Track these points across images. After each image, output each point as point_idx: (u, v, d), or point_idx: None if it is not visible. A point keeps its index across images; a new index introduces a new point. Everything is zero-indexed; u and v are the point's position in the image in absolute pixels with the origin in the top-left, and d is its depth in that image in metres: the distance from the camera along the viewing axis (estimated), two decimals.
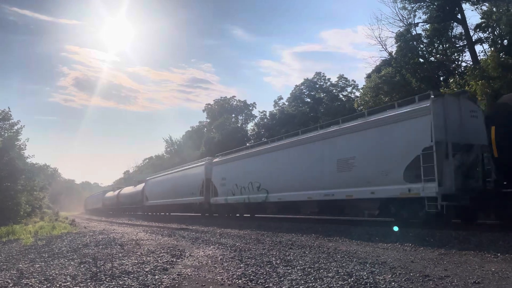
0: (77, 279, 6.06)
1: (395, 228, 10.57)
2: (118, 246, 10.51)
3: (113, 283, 5.69)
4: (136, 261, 7.67)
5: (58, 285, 5.64)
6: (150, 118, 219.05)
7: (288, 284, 5.40)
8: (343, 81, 51.83)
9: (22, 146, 27.67)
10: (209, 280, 5.88)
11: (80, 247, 10.53)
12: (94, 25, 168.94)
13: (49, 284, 5.76)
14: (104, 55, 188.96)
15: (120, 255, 8.71)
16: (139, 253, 9.00)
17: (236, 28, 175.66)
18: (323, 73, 53.31)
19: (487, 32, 26.62)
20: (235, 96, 68.67)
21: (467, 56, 29.40)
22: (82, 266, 7.29)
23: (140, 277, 6.07)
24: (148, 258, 8.16)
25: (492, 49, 24.68)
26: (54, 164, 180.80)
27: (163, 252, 9.00)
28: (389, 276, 5.77)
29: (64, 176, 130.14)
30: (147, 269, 6.74)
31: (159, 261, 7.71)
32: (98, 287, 5.48)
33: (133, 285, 5.51)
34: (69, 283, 5.79)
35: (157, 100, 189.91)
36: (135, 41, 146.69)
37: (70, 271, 6.73)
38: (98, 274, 6.35)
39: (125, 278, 6.00)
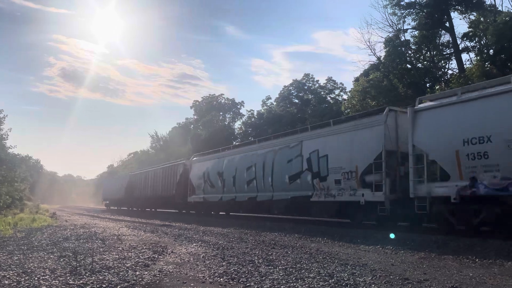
0: (56, 272, 5.98)
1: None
2: (99, 241, 10.40)
3: (93, 277, 5.63)
4: (117, 257, 7.61)
5: (36, 278, 5.56)
6: (137, 112, 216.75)
7: (270, 283, 5.42)
8: (331, 84, 52.15)
9: (4, 136, 27.15)
10: (190, 277, 5.86)
11: (61, 241, 10.39)
12: (83, 15, 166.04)
13: (27, 277, 5.66)
14: (93, 46, 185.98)
15: (101, 249, 8.62)
16: (120, 248, 8.92)
17: (228, 25, 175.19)
18: (312, 75, 53.67)
19: (474, 41, 27.11)
20: (223, 94, 68.77)
21: (453, 64, 29.93)
22: (61, 259, 7.20)
23: (121, 273, 6.01)
24: (130, 253, 8.09)
25: (478, 58, 25.17)
26: (37, 156, 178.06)
27: (145, 248, 8.94)
28: (370, 278, 5.84)
29: (47, 168, 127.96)
30: (128, 265, 6.69)
31: (140, 257, 7.66)
32: (77, 281, 5.42)
33: (113, 281, 5.46)
34: (48, 276, 5.71)
35: (145, 94, 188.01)
36: (124, 33, 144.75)
37: (49, 265, 6.63)
38: (78, 268, 6.28)
39: (105, 273, 5.94)
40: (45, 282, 5.38)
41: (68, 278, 5.60)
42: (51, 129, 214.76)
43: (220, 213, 24.54)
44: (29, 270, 6.15)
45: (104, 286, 5.17)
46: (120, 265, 6.68)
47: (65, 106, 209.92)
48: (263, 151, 18.97)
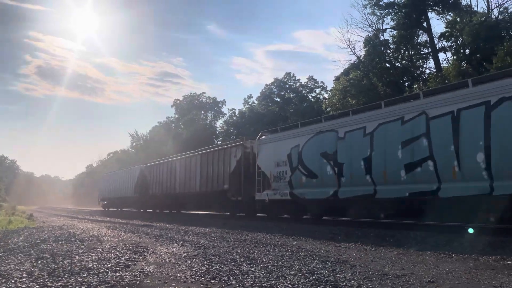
0: (33, 275, 5.86)
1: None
2: (78, 242, 10.23)
3: (72, 279, 5.55)
4: (96, 258, 7.50)
5: (13, 281, 5.44)
6: (116, 111, 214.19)
7: (251, 281, 5.44)
8: (312, 82, 52.58)
9: None
10: (171, 277, 5.83)
11: (38, 243, 10.17)
12: (60, 12, 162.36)
13: (3, 279, 5.53)
14: (70, 44, 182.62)
15: (80, 251, 8.48)
16: (100, 249, 8.80)
17: (209, 23, 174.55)
18: (293, 74, 53.97)
19: (451, 41, 27.74)
20: (205, 93, 68.39)
21: (431, 63, 30.59)
22: (39, 262, 7.05)
23: (100, 274, 5.94)
24: (110, 254, 7.99)
25: (454, 57, 25.76)
26: (13, 156, 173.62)
27: (125, 249, 8.84)
28: (349, 274, 5.93)
29: (23, 168, 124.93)
30: (107, 266, 6.61)
31: (120, 257, 7.57)
32: (55, 283, 5.32)
33: (92, 282, 5.39)
34: (25, 279, 5.59)
35: (125, 92, 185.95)
36: (103, 31, 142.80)
37: (27, 267, 6.50)
38: (56, 270, 6.17)
39: (85, 275, 5.85)
40: (22, 285, 5.27)
41: (46, 280, 5.50)
42: (28, 128, 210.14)
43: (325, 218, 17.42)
44: (5, 273, 6.00)
45: (83, 287, 5.10)
46: (99, 266, 6.59)
47: (42, 105, 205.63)
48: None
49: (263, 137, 19.17)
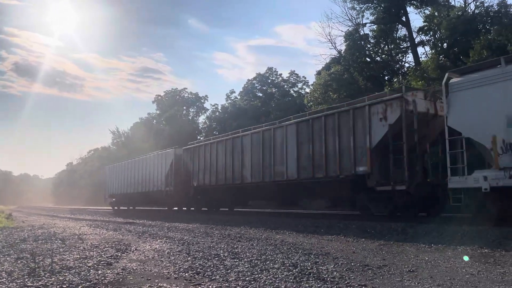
0: (13, 275, 5.75)
1: None
2: (59, 241, 10.07)
3: (53, 278, 5.47)
4: (78, 256, 7.40)
5: None
6: (96, 108, 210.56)
7: (235, 275, 5.47)
8: (294, 77, 52.69)
9: None
10: (155, 274, 5.81)
11: (18, 242, 9.97)
12: (36, 6, 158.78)
13: None
14: (47, 40, 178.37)
15: (61, 250, 8.36)
16: (81, 248, 8.69)
17: (190, 18, 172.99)
18: (275, 69, 53.95)
19: (429, 35, 28.16)
20: (186, 88, 67.39)
21: (410, 57, 30.97)
22: (19, 261, 6.92)
23: (82, 272, 5.87)
24: (91, 253, 7.90)
25: (433, 51, 26.19)
26: None
27: (108, 247, 8.75)
28: (332, 266, 6.01)
29: (0, 167, 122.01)
30: (89, 264, 6.53)
31: (103, 255, 7.49)
32: (36, 283, 5.23)
33: (74, 281, 5.32)
34: (4, 279, 5.48)
35: (104, 89, 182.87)
36: (81, 26, 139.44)
37: (6, 267, 6.37)
38: (36, 269, 6.06)
39: (66, 274, 5.78)
40: (2, 285, 5.17)
41: (26, 280, 5.41)
42: (4, 126, 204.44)
43: None
44: None
45: (64, 286, 5.03)
46: (81, 264, 6.52)
47: (19, 102, 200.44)
48: None
49: (460, 78, 10.74)
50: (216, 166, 20.55)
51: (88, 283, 5.18)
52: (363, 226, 10.88)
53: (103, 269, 6.16)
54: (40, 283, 5.22)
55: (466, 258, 6.47)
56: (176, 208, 26.52)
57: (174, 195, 24.37)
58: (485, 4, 24.89)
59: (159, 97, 65.11)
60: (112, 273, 5.85)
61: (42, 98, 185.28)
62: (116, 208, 35.00)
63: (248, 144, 18.37)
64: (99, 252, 7.91)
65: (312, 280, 5.06)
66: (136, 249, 8.37)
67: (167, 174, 24.85)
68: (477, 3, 25.49)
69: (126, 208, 33.75)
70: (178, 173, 24.04)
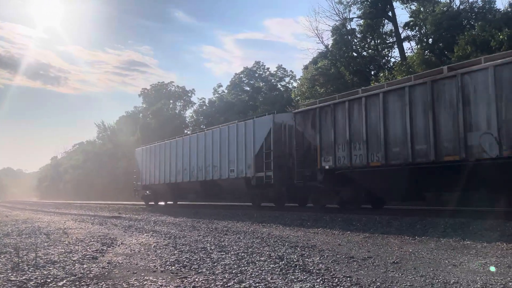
0: None
1: None
2: (44, 235, 9.95)
3: (37, 273, 5.41)
4: (63, 250, 7.33)
5: None
6: (81, 101, 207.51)
7: (222, 268, 5.48)
8: (281, 71, 52.74)
9: None
10: (141, 267, 5.79)
11: (1, 237, 9.83)
12: None
13: None
14: (31, 31, 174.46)
15: (45, 244, 8.26)
16: (66, 242, 8.60)
17: (177, 11, 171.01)
18: (262, 63, 53.93)
19: (415, 31, 28.42)
20: (173, 82, 66.97)
21: (396, 52, 31.22)
22: (2, 256, 6.82)
23: (67, 267, 5.82)
24: (76, 247, 7.83)
25: (418, 46, 26.45)
26: None
27: (93, 241, 8.68)
28: (318, 258, 6.07)
29: None
30: (74, 258, 6.48)
31: (88, 250, 7.43)
32: (20, 277, 5.17)
33: (59, 275, 5.27)
34: None
35: (90, 82, 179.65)
36: (65, 18, 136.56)
37: None
38: (20, 264, 5.99)
39: (50, 268, 5.72)
40: None
41: (10, 274, 5.34)
42: None
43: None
44: None
45: (49, 281, 4.98)
46: (66, 259, 6.45)
47: (1, 95, 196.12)
48: None
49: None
50: (384, 136, 11.93)
51: (73, 277, 5.13)
52: (349, 219, 10.99)
53: (89, 263, 6.11)
54: (24, 277, 5.16)
55: (448, 250, 6.60)
56: (275, 204, 17.83)
57: (276, 185, 16.46)
58: (470, 0, 25.22)
59: (146, 91, 64.53)
60: (97, 267, 5.81)
61: (26, 91, 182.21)
62: (152, 203, 26.08)
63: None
64: (84, 246, 7.85)
65: (298, 272, 5.10)
66: (122, 243, 8.32)
67: (257, 153, 17.18)
68: None
69: (169, 203, 25.87)
70: (288, 152, 16.23)
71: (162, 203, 26.16)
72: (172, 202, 25.64)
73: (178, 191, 23.79)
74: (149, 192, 26.42)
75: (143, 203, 26.98)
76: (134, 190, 28.47)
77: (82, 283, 4.81)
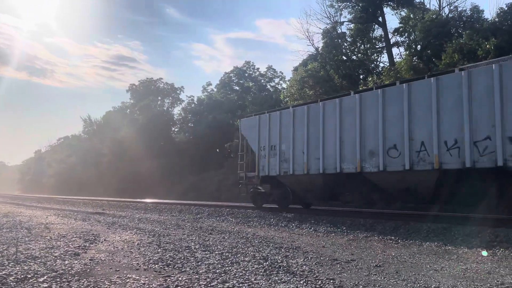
0: None
1: None
2: (25, 230, 9.79)
3: (17, 268, 5.32)
4: (44, 246, 7.22)
5: None
6: (68, 95, 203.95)
7: (205, 268, 5.47)
8: (271, 72, 52.83)
9: None
10: (123, 265, 5.74)
11: None
12: None
13: None
14: (18, 22, 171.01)
15: (26, 239, 8.13)
16: (48, 237, 8.48)
17: (169, 7, 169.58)
18: (252, 63, 53.96)
19: (404, 37, 28.74)
20: (162, 78, 66.51)
21: (385, 57, 31.52)
22: None
23: (48, 262, 5.73)
24: (58, 242, 7.72)
25: (407, 52, 26.75)
26: None
27: (76, 237, 8.57)
28: (302, 260, 6.10)
29: None
30: (56, 254, 6.39)
31: (70, 246, 7.33)
32: None
33: (39, 271, 5.19)
34: None
35: (77, 75, 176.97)
36: (54, 9, 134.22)
37: None
38: (0, 258, 5.89)
39: (31, 263, 5.63)
40: None
41: None
42: None
43: None
44: None
45: (29, 276, 4.90)
46: (47, 254, 6.36)
47: None
48: None
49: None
50: None
51: (54, 273, 5.06)
52: (334, 221, 11.06)
53: (70, 259, 6.04)
54: (3, 272, 5.07)
55: (430, 254, 6.69)
56: None
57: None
58: (459, 9, 25.62)
59: (134, 86, 63.95)
60: (79, 263, 5.73)
61: (11, 82, 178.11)
62: (276, 206, 15.92)
63: None
64: (66, 242, 7.74)
65: (282, 273, 5.12)
66: (105, 240, 8.23)
67: None
68: (451, 7, 26.23)
69: (314, 208, 16.27)
70: None
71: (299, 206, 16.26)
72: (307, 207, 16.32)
73: (334, 188, 13.48)
74: (269, 185, 15.91)
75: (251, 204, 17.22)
76: (240, 185, 17.83)
77: (63, 280, 4.75)
